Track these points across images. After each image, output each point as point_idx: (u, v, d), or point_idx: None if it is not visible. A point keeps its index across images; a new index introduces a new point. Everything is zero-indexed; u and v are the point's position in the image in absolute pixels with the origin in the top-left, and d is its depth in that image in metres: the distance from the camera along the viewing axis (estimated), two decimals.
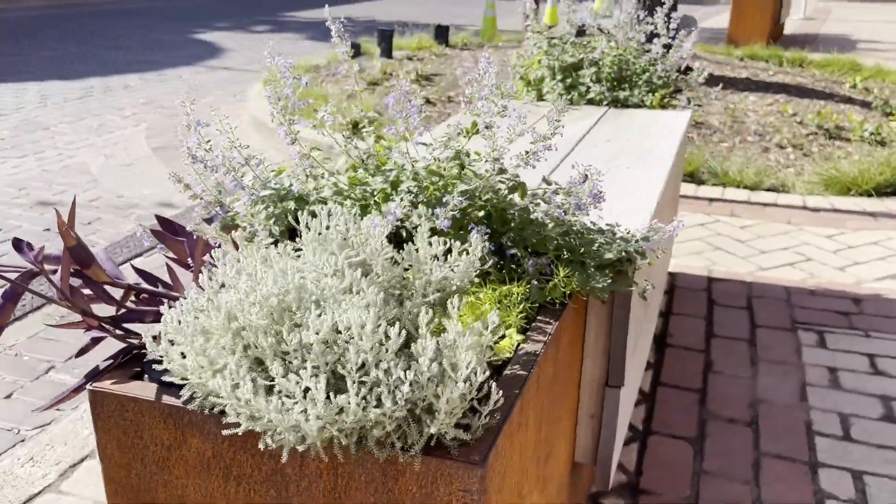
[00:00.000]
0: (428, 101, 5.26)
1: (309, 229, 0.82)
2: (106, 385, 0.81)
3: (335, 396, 0.65)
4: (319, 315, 0.68)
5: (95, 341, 0.87)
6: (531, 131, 1.09)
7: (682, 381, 2.21)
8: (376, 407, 0.66)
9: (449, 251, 0.88)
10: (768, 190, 3.87)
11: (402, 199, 0.96)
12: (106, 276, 0.86)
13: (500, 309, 0.99)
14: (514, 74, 2.38)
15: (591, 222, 1.17)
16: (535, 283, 1.03)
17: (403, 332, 0.68)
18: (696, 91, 3.38)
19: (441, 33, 7.23)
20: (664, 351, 2.37)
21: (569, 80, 2.29)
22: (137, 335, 0.86)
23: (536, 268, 1.05)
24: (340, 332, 0.68)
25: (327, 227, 0.80)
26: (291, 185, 1.07)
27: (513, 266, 1.07)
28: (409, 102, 1.08)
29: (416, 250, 0.85)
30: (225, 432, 0.70)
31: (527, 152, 1.09)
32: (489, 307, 0.99)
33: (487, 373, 0.72)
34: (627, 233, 1.15)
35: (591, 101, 2.28)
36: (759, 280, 2.88)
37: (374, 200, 1.04)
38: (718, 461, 1.85)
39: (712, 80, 5.69)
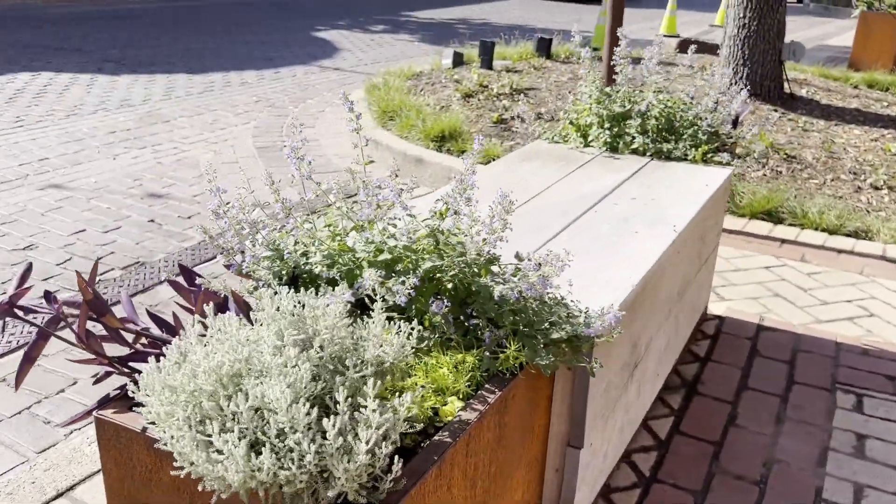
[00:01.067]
0: (518, 118, 5.36)
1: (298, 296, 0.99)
2: (107, 413, 1.01)
3: (256, 456, 0.82)
4: (252, 387, 0.85)
5: (108, 374, 1.08)
6: (501, 220, 1.21)
7: (702, 431, 2.25)
8: (286, 469, 0.81)
9: (400, 329, 1.03)
10: (849, 235, 3.76)
11: (372, 273, 1.12)
12: (118, 323, 1.06)
13: (454, 374, 1.13)
14: (566, 118, 2.47)
15: (558, 296, 1.28)
16: (488, 353, 1.16)
17: (315, 410, 0.83)
18: (748, 146, 3.32)
19: (543, 45, 7.30)
20: (692, 398, 2.41)
21: (615, 129, 2.36)
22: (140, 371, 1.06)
23: (493, 339, 1.17)
24: (269, 402, 0.84)
25: (278, 308, 0.96)
26: (286, 249, 1.24)
27: (476, 335, 1.20)
28: (380, 188, 1.23)
29: (367, 325, 1.00)
30: (172, 473, 0.88)
31: (489, 233, 1.22)
32: (446, 371, 1.13)
33: (390, 448, 0.86)
34: (581, 313, 1.25)
35: (635, 151, 2.34)
36: (810, 333, 2.85)
37: (356, 271, 1.20)
38: None
39: (817, 110, 5.49)
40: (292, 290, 1.19)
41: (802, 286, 3.24)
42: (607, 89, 2.41)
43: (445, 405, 1.09)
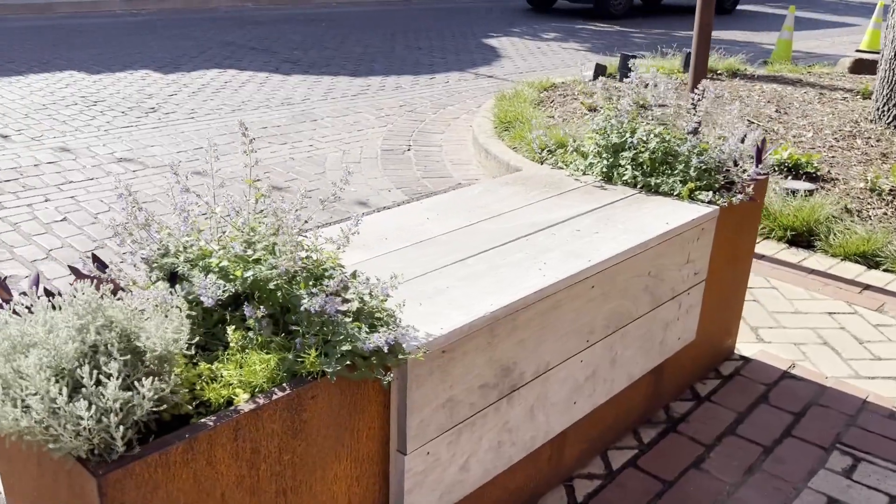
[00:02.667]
0: None
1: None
2: None
3: (21, 412, 1.08)
4: (20, 357, 1.11)
5: None
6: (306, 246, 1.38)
7: (659, 469, 2.24)
8: (30, 422, 1.07)
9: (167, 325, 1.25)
10: None
11: (197, 275, 1.34)
12: (4, 294, 1.38)
13: (260, 372, 1.33)
14: (571, 145, 2.52)
15: (384, 313, 1.43)
16: (291, 357, 1.34)
17: (58, 382, 1.08)
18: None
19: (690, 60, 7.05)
20: (667, 435, 2.39)
21: (611, 160, 2.39)
22: None
23: (303, 344, 1.36)
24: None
25: (63, 295, 1.22)
26: (169, 250, 1.49)
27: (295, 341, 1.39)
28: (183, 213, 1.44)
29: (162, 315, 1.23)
30: None
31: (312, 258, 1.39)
32: (257, 368, 1.34)
33: (128, 419, 1.09)
34: (394, 330, 1.39)
35: (626, 183, 2.35)
36: (839, 387, 2.67)
37: (211, 271, 1.43)
38: None
39: None
40: (167, 284, 1.45)
41: (860, 337, 3.00)
42: (612, 118, 2.44)
43: (236, 397, 1.29)
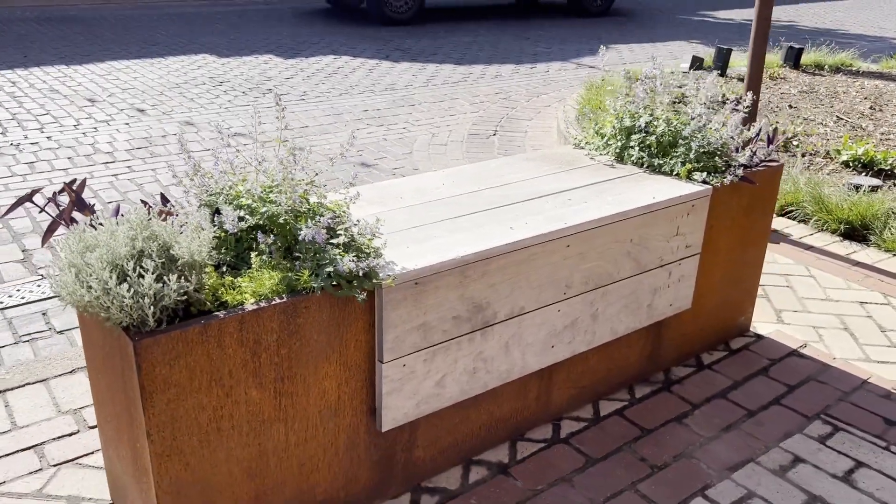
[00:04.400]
0: None
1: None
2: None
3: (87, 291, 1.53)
4: (92, 254, 1.55)
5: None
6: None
7: (642, 420, 2.49)
8: (92, 299, 1.51)
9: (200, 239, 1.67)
10: None
11: (237, 211, 1.76)
12: (89, 214, 1.84)
13: (266, 284, 1.74)
14: (593, 128, 2.78)
15: (373, 248, 1.79)
16: (291, 275, 1.73)
17: (114, 272, 1.51)
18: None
19: (791, 54, 6.96)
20: (660, 394, 2.63)
21: (623, 142, 2.63)
22: None
23: (302, 267, 1.75)
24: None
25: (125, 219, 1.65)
26: (212, 191, 1.91)
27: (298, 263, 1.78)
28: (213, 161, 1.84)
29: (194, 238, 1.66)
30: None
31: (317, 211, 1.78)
32: (266, 281, 1.75)
33: (158, 304, 1.52)
34: (371, 258, 1.74)
35: (634, 163, 2.60)
36: (843, 367, 2.80)
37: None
38: (579, 488, 2.21)
39: None
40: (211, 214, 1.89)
41: (884, 325, 3.09)
42: (630, 104, 2.68)
43: (246, 301, 1.70)
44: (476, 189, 2.36)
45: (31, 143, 5.41)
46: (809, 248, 3.78)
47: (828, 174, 4.56)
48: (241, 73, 7.78)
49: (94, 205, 1.91)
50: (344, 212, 1.89)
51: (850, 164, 4.64)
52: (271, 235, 1.78)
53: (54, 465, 2.19)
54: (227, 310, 1.66)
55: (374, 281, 1.75)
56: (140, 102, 6.57)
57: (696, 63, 7.17)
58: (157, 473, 1.65)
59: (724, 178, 2.44)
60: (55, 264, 1.61)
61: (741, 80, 6.65)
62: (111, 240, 1.59)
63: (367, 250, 1.81)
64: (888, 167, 4.53)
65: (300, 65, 8.31)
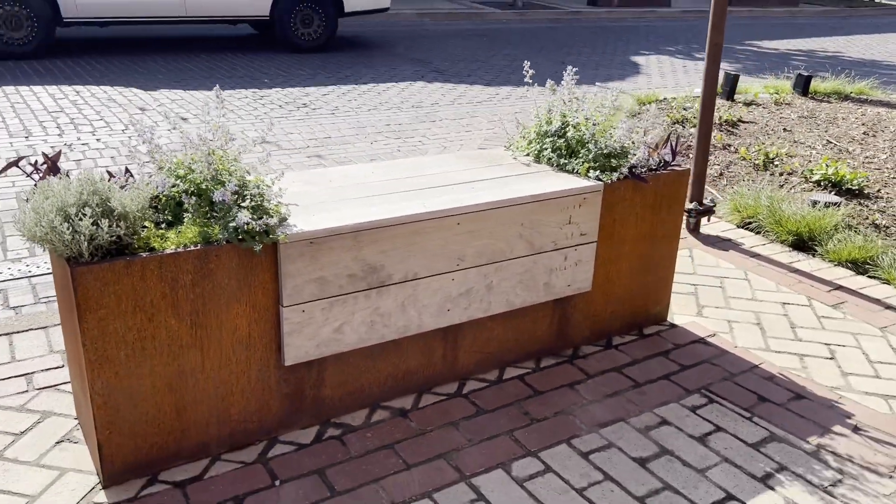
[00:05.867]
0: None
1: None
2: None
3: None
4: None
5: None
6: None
7: (537, 384, 2.83)
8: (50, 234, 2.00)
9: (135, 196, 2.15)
10: None
11: (171, 178, 2.23)
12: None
13: (186, 235, 2.19)
14: (521, 133, 3.16)
15: (276, 212, 2.23)
16: (205, 230, 2.18)
17: (61, 217, 2.00)
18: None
19: (800, 81, 7.15)
20: (560, 365, 2.97)
21: (539, 145, 3.00)
22: None
23: (217, 223, 2.19)
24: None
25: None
26: (162, 167, 2.38)
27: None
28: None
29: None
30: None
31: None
32: (188, 233, 2.20)
33: (93, 243, 1.99)
34: (273, 219, 2.17)
35: (548, 163, 2.97)
36: (739, 354, 3.07)
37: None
38: (462, 430, 2.57)
39: None
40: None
41: (795, 323, 3.34)
42: (547, 112, 3.05)
43: (168, 248, 2.15)
44: (399, 177, 2.78)
45: (82, 144, 6.10)
46: (756, 255, 4.04)
47: (796, 192, 4.79)
48: (283, 90, 8.41)
49: (68, 172, 2.41)
50: (262, 184, 2.33)
51: (821, 184, 4.86)
52: (194, 197, 2.24)
53: (38, 389, 2.69)
54: (153, 253, 2.12)
55: (271, 236, 2.19)
56: (184, 112, 7.24)
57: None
58: (90, 378, 2.11)
59: (612, 176, 2.79)
60: (20, 208, 2.10)
61: (747, 104, 6.88)
62: (64, 192, 2.07)
63: (272, 213, 2.25)
64: (855, 186, 4.72)
65: (339, 82, 8.91)
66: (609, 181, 2.80)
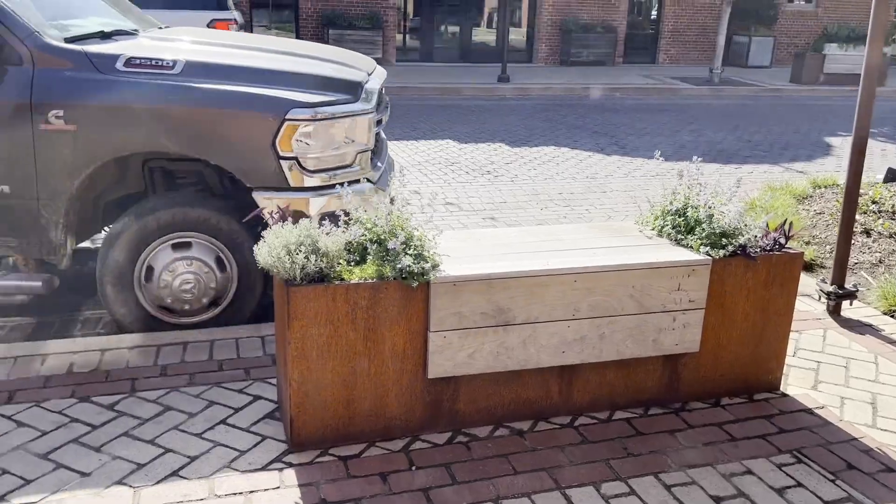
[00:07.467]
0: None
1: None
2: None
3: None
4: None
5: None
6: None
7: (640, 426, 3.28)
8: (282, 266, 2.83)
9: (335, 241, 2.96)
10: None
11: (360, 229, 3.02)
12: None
13: (366, 272, 2.97)
14: (651, 212, 3.65)
15: (436, 260, 2.94)
16: (381, 268, 2.94)
17: (287, 251, 2.82)
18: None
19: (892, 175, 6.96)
20: (667, 415, 3.38)
21: (663, 222, 3.49)
22: None
23: (388, 265, 2.94)
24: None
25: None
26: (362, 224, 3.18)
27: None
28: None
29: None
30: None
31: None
32: (368, 270, 2.98)
33: (306, 273, 2.81)
34: (430, 263, 2.88)
35: (668, 238, 3.45)
36: (843, 427, 3.31)
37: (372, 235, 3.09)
38: (566, 453, 3.08)
39: None
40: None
41: None
42: (672, 194, 3.54)
43: (353, 279, 2.92)
44: (534, 240, 3.42)
45: None
46: (893, 342, 4.17)
47: None
48: (470, 158, 9.38)
49: (289, 213, 3.30)
50: (424, 238, 3.07)
51: None
52: (375, 245, 3.02)
53: (252, 379, 3.58)
54: (342, 282, 2.91)
55: (425, 277, 2.90)
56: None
57: (892, 176, 7.34)
58: (291, 368, 2.92)
59: (720, 252, 3.23)
60: (259, 245, 2.99)
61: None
62: (288, 234, 2.93)
63: (429, 260, 2.97)
64: None
65: (522, 152, 9.74)
66: (717, 256, 3.24)
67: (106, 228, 4.44)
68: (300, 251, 2.87)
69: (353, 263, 3.04)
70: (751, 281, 3.39)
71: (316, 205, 3.84)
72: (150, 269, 3.95)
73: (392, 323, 2.99)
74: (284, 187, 3.81)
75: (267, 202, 3.73)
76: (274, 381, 3.56)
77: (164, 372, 3.57)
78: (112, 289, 3.90)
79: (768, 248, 3.39)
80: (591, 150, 10.06)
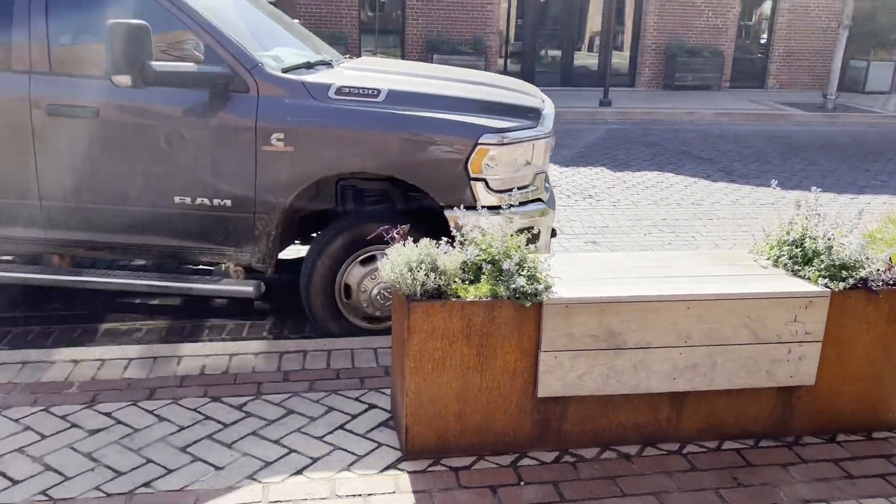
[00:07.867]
0: None
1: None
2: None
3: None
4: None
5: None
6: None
7: (751, 458, 3.24)
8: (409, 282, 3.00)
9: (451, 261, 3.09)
10: None
11: (476, 250, 3.15)
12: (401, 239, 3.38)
13: (481, 290, 3.09)
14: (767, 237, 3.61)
15: (548, 281, 3.03)
16: (495, 288, 3.05)
17: (410, 268, 2.97)
18: None
19: None
20: (779, 448, 3.33)
21: (780, 252, 3.46)
22: None
23: (501, 284, 3.05)
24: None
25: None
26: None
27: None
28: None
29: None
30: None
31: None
32: (483, 288, 3.10)
33: (425, 290, 2.96)
34: (544, 285, 2.97)
35: (784, 268, 3.40)
36: None
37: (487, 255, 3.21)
38: (674, 478, 3.08)
39: None
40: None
41: None
42: (788, 224, 3.50)
43: (468, 297, 3.04)
44: (645, 266, 3.46)
45: None
46: None
47: None
48: (573, 180, 9.41)
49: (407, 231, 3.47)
50: (536, 260, 3.17)
51: None
52: (490, 265, 3.14)
53: (367, 389, 3.76)
54: (458, 299, 3.05)
55: (538, 298, 3.00)
56: None
57: None
58: (408, 379, 3.07)
59: (839, 284, 3.18)
60: (383, 262, 3.16)
61: None
62: (410, 252, 3.10)
63: (541, 281, 3.07)
64: None
65: (624, 177, 9.69)
66: (836, 289, 3.19)
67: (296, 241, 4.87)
68: (420, 268, 3.03)
69: (467, 282, 3.17)
70: (871, 315, 3.31)
71: (514, 222, 3.97)
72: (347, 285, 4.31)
73: (504, 341, 3.09)
74: (473, 206, 4.07)
75: (460, 219, 3.88)
76: (387, 391, 3.72)
77: (286, 377, 3.80)
78: (318, 300, 4.28)
79: (892, 282, 3.31)
80: (696, 175, 9.90)
